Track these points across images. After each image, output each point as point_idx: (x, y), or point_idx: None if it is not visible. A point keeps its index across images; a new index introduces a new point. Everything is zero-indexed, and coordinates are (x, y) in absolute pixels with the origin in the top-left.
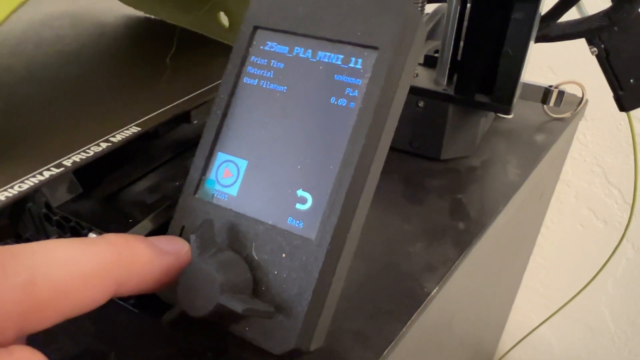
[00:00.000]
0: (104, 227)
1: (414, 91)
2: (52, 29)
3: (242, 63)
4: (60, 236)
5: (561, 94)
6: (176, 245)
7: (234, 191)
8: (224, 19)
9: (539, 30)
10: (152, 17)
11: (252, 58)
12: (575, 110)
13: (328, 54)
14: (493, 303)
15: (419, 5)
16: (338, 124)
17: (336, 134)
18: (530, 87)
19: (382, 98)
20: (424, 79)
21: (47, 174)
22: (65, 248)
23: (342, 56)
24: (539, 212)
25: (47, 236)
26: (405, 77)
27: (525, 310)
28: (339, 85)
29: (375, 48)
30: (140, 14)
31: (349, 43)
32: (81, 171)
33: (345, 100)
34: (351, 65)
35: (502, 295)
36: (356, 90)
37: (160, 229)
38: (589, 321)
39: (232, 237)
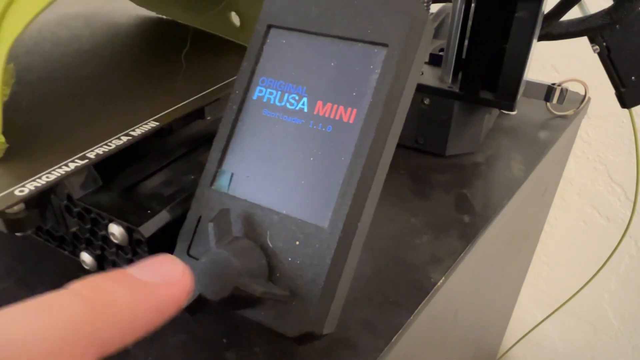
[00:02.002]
0: (123, 218)
1: (420, 89)
2: (68, 29)
3: (257, 60)
4: (80, 227)
5: (564, 91)
6: (164, 270)
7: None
8: (235, 19)
9: (541, 28)
10: (164, 17)
11: (267, 55)
12: (578, 108)
13: (339, 51)
14: (497, 298)
15: (425, 4)
16: None
17: (347, 127)
18: (533, 85)
19: (391, 92)
20: (429, 76)
21: (72, 166)
22: (18, 321)
23: (354, 53)
24: (542, 209)
25: (67, 227)
26: (414, 72)
27: (528, 307)
28: (350, 80)
29: (384, 45)
30: (152, 14)
31: (360, 40)
32: (101, 165)
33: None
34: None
35: (506, 290)
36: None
37: (178, 220)
38: (592, 318)
39: (248, 226)
